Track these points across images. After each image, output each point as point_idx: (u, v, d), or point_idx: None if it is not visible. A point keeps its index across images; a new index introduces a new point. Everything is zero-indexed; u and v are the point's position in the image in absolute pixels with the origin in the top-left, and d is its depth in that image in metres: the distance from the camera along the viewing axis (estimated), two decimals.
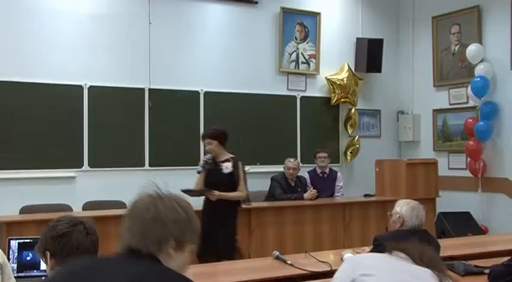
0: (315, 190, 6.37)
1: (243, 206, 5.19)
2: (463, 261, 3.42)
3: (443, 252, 3.63)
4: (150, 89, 6.45)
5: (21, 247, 3.35)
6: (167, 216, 1.54)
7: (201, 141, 5.51)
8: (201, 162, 5.12)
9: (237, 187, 4.98)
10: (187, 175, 6.59)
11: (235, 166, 4.98)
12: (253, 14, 7.14)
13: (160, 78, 6.50)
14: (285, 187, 6.41)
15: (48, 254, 2.07)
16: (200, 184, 5.03)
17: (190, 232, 1.57)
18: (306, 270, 3.48)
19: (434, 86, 7.76)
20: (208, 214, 4.92)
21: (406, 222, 3.42)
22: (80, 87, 6.13)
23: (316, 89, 7.59)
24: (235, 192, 4.98)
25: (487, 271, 3.12)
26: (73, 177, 6.07)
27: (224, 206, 4.92)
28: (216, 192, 4.89)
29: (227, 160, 5.00)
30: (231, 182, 4.97)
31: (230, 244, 4.96)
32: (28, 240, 3.38)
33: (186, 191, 5.04)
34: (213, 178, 4.98)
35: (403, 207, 3.46)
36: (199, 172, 5.08)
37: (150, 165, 6.42)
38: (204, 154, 5.13)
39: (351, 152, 7.68)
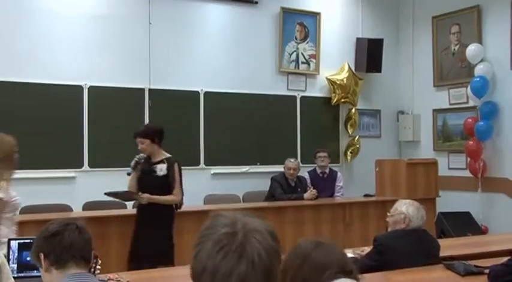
0: (315, 190, 6.37)
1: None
2: (463, 261, 3.42)
3: (443, 252, 3.64)
4: (150, 89, 6.45)
5: (21, 247, 3.34)
6: (271, 262, 1.19)
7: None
8: (132, 162, 4.64)
9: (172, 190, 4.59)
10: (187, 175, 6.60)
11: (170, 168, 4.59)
12: (253, 14, 7.14)
13: (160, 78, 6.50)
14: (285, 187, 6.40)
15: (42, 255, 2.07)
16: (133, 186, 4.65)
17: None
18: None
19: (434, 86, 7.75)
20: (140, 218, 4.62)
21: (411, 222, 3.44)
22: (80, 87, 6.13)
23: (316, 89, 7.59)
24: (168, 196, 4.58)
25: (487, 271, 3.12)
26: (73, 177, 6.06)
27: (157, 210, 4.52)
28: (146, 195, 4.50)
29: (162, 161, 4.62)
30: (165, 184, 4.57)
31: (164, 250, 4.54)
32: (28, 241, 3.37)
33: (110, 194, 4.66)
34: (146, 180, 4.59)
35: (409, 208, 3.47)
36: (129, 174, 4.67)
37: None
38: (137, 153, 4.70)
39: (351, 152, 7.68)
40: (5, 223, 3.38)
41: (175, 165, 4.64)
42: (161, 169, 4.58)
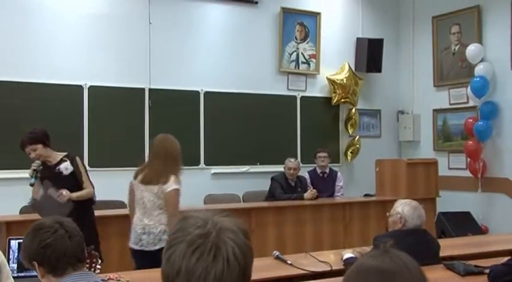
0: (315, 190, 6.37)
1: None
2: (463, 261, 3.43)
3: (443, 252, 3.65)
4: (150, 89, 6.45)
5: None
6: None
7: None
8: (30, 171, 4.30)
9: (82, 185, 4.38)
10: (188, 175, 6.59)
11: (74, 164, 4.39)
12: (253, 14, 7.14)
13: (160, 78, 6.50)
14: (285, 187, 6.41)
15: (36, 263, 2.07)
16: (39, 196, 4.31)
17: None
18: (306, 270, 3.48)
19: (434, 86, 7.75)
20: None
21: (408, 222, 3.44)
22: (80, 87, 6.13)
23: (316, 89, 7.59)
24: (84, 190, 4.37)
25: (487, 271, 3.13)
26: None
27: (80, 209, 4.20)
28: (65, 191, 4.21)
29: (63, 160, 4.40)
30: (75, 182, 4.34)
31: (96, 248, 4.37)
32: None
33: (34, 206, 4.28)
34: (54, 184, 4.27)
35: (405, 208, 3.47)
36: (32, 184, 4.32)
37: None
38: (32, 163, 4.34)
39: (351, 152, 7.68)
40: None
41: (77, 159, 4.46)
42: (66, 168, 4.35)
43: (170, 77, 6.58)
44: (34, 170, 4.29)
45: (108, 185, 6.04)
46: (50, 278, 2.06)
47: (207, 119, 6.76)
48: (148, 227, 4.01)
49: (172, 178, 4.02)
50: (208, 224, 1.16)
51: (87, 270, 2.47)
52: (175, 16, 6.66)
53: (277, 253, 3.81)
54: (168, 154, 4.08)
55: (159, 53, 6.52)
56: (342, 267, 3.59)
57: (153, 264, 3.50)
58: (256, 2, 7.14)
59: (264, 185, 6.58)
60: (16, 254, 3.29)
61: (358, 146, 7.70)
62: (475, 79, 6.88)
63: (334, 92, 7.54)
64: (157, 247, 3.94)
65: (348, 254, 3.71)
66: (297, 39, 7.43)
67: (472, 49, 6.96)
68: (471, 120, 7.02)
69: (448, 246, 4.08)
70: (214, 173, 6.79)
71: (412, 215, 3.43)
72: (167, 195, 4.00)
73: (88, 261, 2.72)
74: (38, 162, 4.31)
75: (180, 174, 4.11)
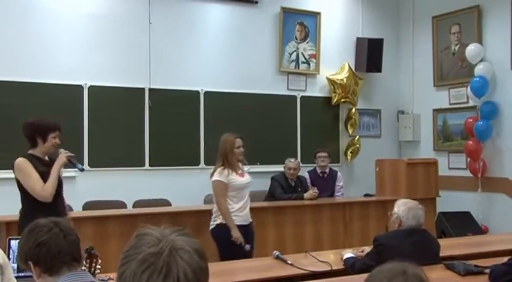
0: (316, 188, 6.35)
1: None
2: (463, 261, 3.43)
3: (443, 252, 3.65)
4: (150, 89, 6.45)
5: None
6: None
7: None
8: (66, 158, 4.17)
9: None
10: (188, 175, 6.62)
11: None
12: (253, 14, 7.14)
13: (160, 78, 6.50)
14: (285, 187, 6.41)
15: (31, 263, 2.07)
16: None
17: None
18: (306, 270, 3.49)
19: (434, 85, 7.76)
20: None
21: (403, 222, 3.44)
22: (80, 87, 6.13)
23: (316, 89, 7.59)
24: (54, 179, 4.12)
25: (487, 271, 3.13)
26: (73, 177, 6.05)
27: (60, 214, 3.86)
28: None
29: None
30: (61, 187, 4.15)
31: None
32: None
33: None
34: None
35: (401, 208, 3.48)
36: (82, 169, 4.39)
37: (150, 165, 6.42)
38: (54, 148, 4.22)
39: (351, 152, 7.68)
40: (232, 199, 4.66)
41: None
42: (62, 171, 4.13)
43: (170, 77, 6.58)
44: (70, 155, 4.20)
45: (108, 185, 6.07)
46: (46, 278, 2.06)
47: (207, 119, 6.76)
48: (212, 211, 4.79)
49: (218, 170, 4.70)
50: (162, 243, 1.15)
51: (85, 269, 2.47)
52: (175, 16, 6.66)
53: (277, 253, 3.81)
54: (219, 151, 4.80)
55: (159, 53, 6.52)
56: (342, 267, 3.60)
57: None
58: (256, 2, 7.14)
59: (264, 185, 6.58)
60: (16, 254, 3.29)
61: (358, 146, 7.70)
62: (475, 79, 6.89)
63: (334, 92, 7.54)
64: (211, 227, 4.73)
65: (348, 254, 3.72)
66: (297, 39, 7.43)
67: (472, 49, 6.96)
68: (471, 120, 7.03)
69: (448, 246, 4.08)
70: None
71: (407, 215, 3.43)
72: (212, 185, 4.74)
73: (88, 261, 2.73)
74: (62, 149, 4.18)
75: (225, 168, 4.68)
